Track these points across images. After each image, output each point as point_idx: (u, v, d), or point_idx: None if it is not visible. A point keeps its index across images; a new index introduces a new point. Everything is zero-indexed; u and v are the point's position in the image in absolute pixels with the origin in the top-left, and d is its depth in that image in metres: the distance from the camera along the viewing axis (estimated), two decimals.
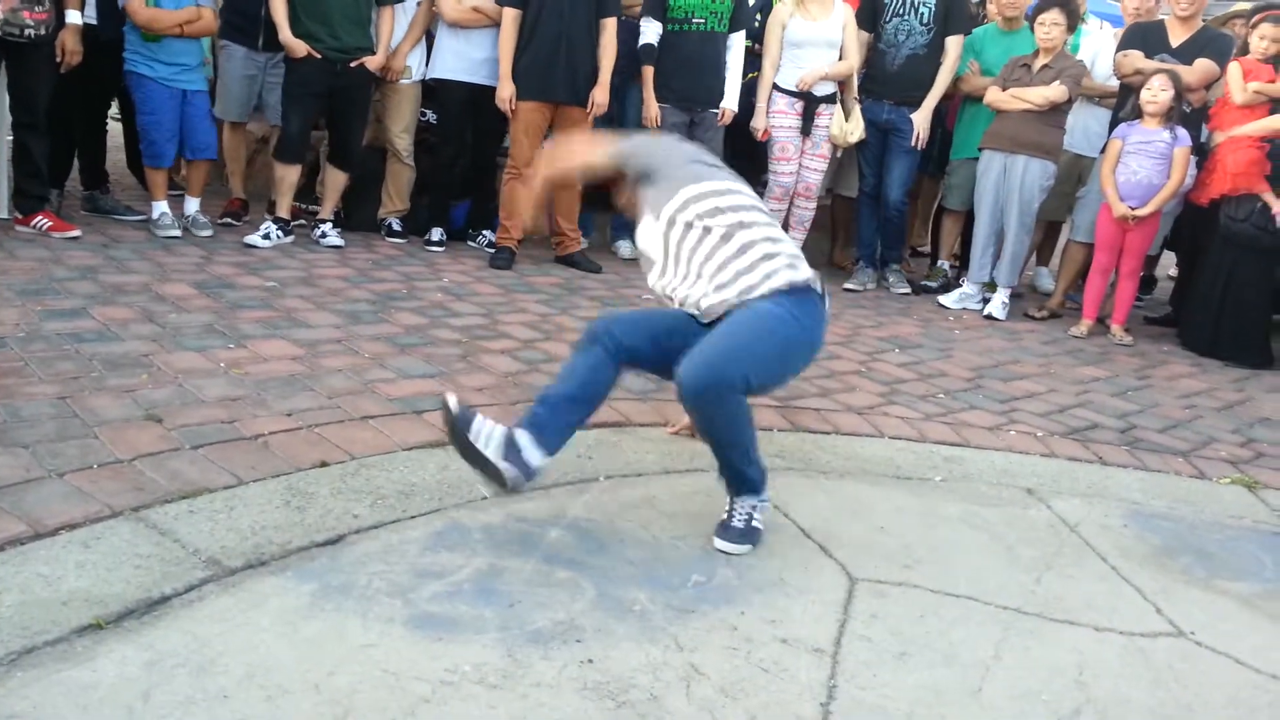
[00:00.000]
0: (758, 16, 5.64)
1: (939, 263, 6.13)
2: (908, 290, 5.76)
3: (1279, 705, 2.07)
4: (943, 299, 5.59)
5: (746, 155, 5.51)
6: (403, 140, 5.29)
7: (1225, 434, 3.87)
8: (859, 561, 2.42)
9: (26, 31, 4.19)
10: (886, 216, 5.72)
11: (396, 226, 5.37)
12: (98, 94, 4.97)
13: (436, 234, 5.29)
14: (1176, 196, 5.17)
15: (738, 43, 5.30)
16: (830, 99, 5.48)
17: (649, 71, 5.21)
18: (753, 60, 5.49)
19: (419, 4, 5.14)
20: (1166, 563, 2.67)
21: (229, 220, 5.10)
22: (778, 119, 5.45)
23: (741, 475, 2.41)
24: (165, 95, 4.62)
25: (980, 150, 5.44)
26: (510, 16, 4.90)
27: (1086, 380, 4.38)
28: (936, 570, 2.43)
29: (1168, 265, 7.13)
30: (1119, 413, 3.95)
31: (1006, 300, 5.42)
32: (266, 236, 4.77)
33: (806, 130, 5.46)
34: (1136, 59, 5.33)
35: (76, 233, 4.40)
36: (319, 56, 4.74)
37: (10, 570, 1.90)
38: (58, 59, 4.35)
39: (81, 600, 1.84)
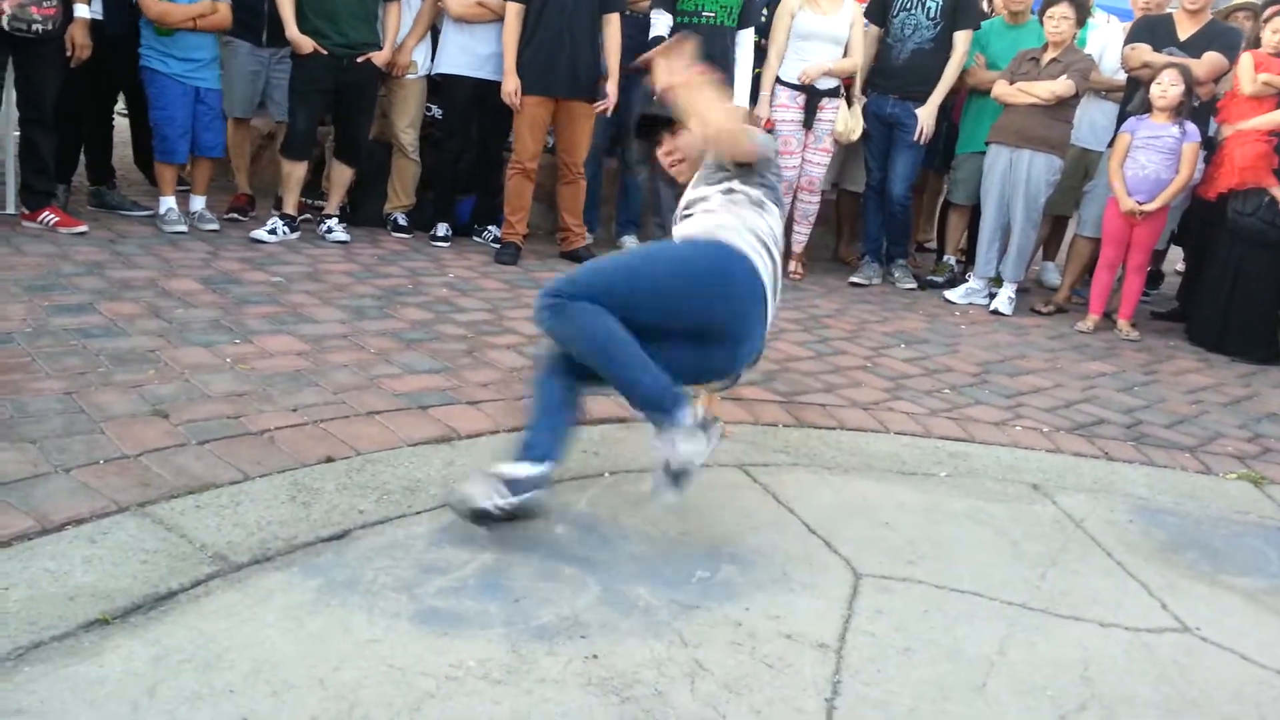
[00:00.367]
0: (764, 11, 5.63)
1: (945, 258, 6.12)
2: (914, 285, 5.75)
3: None
4: (949, 294, 5.58)
5: None
6: (408, 135, 5.29)
7: (1232, 429, 3.86)
8: (864, 557, 2.42)
9: (34, 26, 4.19)
10: (890, 211, 5.70)
11: (402, 222, 5.37)
12: (105, 89, 4.99)
13: (442, 229, 5.29)
14: (1184, 191, 5.15)
15: (746, 39, 5.29)
16: (833, 93, 5.46)
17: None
18: (759, 54, 5.47)
19: (424, 0, 5.14)
20: (1172, 558, 2.67)
21: (235, 216, 5.11)
22: (780, 112, 5.44)
23: (640, 396, 2.29)
24: (179, 91, 4.64)
25: (986, 144, 5.42)
26: (514, 11, 4.90)
27: (1093, 375, 4.37)
28: (941, 566, 2.43)
29: (1175, 260, 7.11)
30: (1125, 408, 3.95)
31: (1013, 295, 5.41)
32: (273, 232, 4.77)
33: (808, 123, 5.45)
34: (1144, 52, 5.31)
35: (83, 228, 4.42)
36: (325, 53, 4.74)
37: (18, 565, 1.91)
38: (66, 54, 4.36)
39: (88, 595, 1.85)
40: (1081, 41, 5.57)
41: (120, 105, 5.35)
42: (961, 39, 5.43)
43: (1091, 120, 5.72)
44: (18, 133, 4.53)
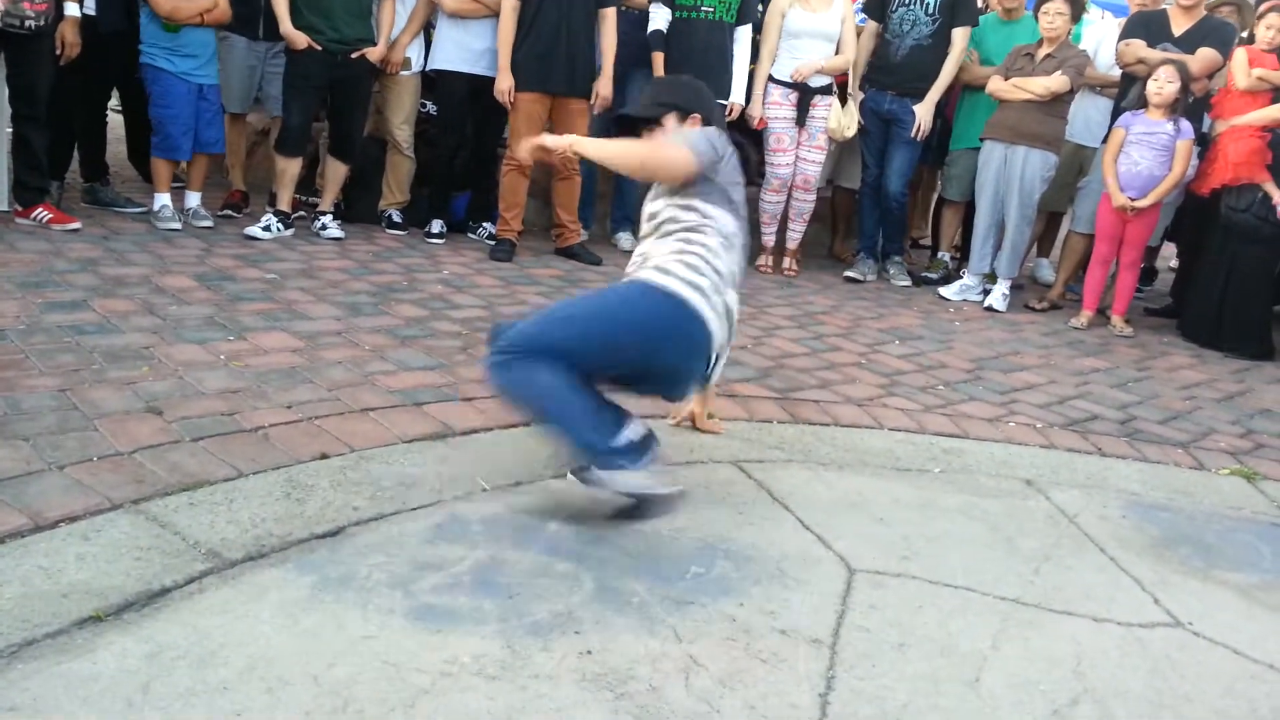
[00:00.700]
0: (760, 7, 5.63)
1: (939, 254, 6.13)
2: (908, 282, 5.75)
3: (1276, 695, 2.07)
4: (943, 290, 5.59)
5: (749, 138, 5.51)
6: (403, 132, 5.28)
7: (1225, 425, 3.87)
8: (858, 553, 2.42)
9: (26, 23, 4.18)
10: (887, 208, 5.71)
11: (397, 218, 5.37)
12: (98, 86, 4.97)
13: (437, 226, 5.29)
14: (1178, 188, 5.16)
15: (745, 36, 5.29)
16: (826, 90, 5.46)
17: (659, 58, 5.19)
18: (755, 51, 5.47)
19: None
20: (1165, 553, 2.67)
21: (229, 212, 5.10)
22: (773, 110, 5.44)
23: (580, 449, 2.38)
24: (184, 89, 4.63)
25: (981, 140, 5.43)
26: (509, 7, 4.89)
27: (1086, 372, 4.38)
28: (935, 561, 2.44)
29: (1168, 257, 7.12)
30: (1119, 404, 3.96)
31: (1007, 292, 5.42)
32: (267, 229, 4.77)
33: (801, 121, 5.45)
34: (1139, 48, 5.32)
35: (77, 225, 4.41)
36: (319, 49, 4.74)
37: (10, 563, 1.91)
38: (57, 51, 4.35)
39: (82, 592, 1.85)
40: (1076, 37, 5.59)
41: (114, 102, 5.34)
42: (960, 35, 5.43)
43: (1086, 116, 5.73)
44: (10, 129, 4.51)
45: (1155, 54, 5.21)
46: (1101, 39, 5.77)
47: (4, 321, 3.14)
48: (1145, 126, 5.02)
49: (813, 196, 5.67)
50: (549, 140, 2.60)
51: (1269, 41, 5.08)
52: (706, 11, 5.15)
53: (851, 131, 5.55)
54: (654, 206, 2.66)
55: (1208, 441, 3.65)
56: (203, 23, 4.62)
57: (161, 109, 4.67)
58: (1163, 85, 4.94)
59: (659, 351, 2.46)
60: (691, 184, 2.56)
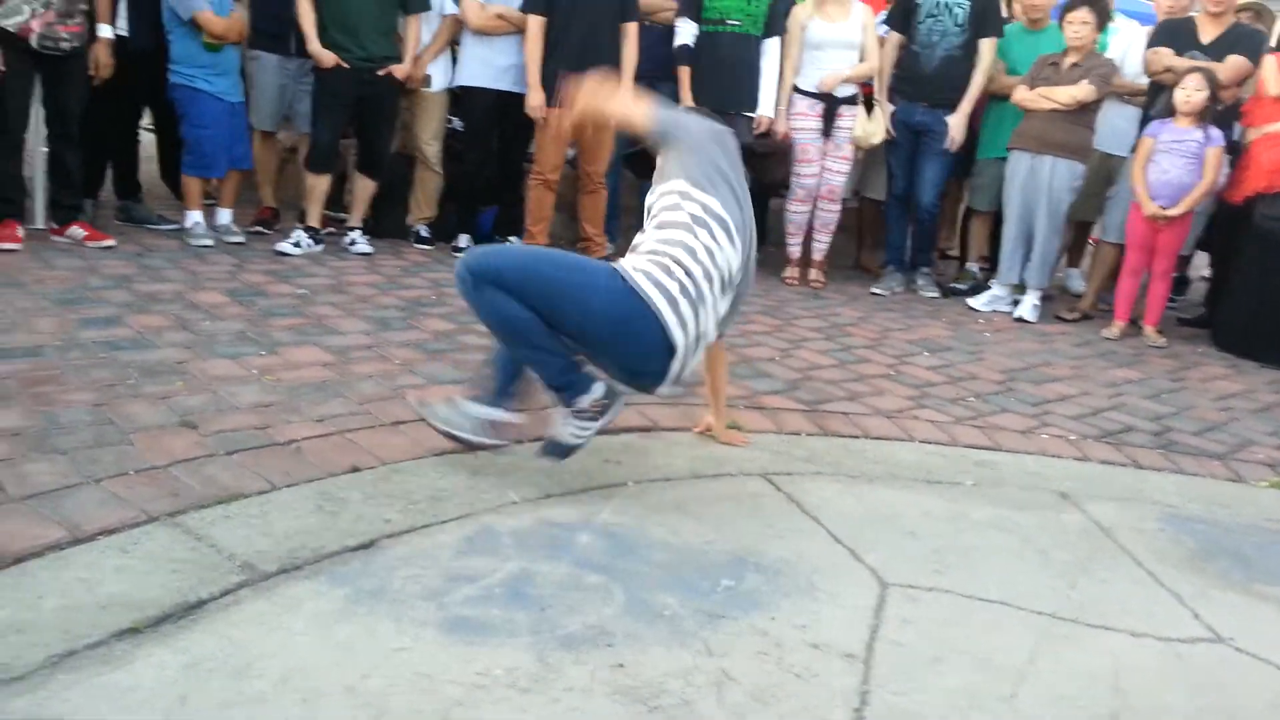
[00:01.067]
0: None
1: (967, 265, 6.09)
2: (936, 294, 5.72)
3: None
4: (972, 301, 5.56)
5: (771, 154, 5.50)
6: (432, 148, 5.32)
7: (1262, 436, 3.81)
8: (890, 566, 2.40)
9: (61, 44, 4.27)
10: (918, 219, 5.69)
11: (424, 233, 5.40)
12: (130, 105, 5.05)
13: (464, 240, 5.33)
14: (1209, 196, 5.11)
15: (773, 48, 5.28)
16: (851, 100, 5.46)
17: (685, 72, 5.20)
18: None
19: (444, 15, 5.18)
20: (1203, 567, 2.63)
21: (260, 229, 5.15)
22: (798, 121, 5.43)
23: (542, 378, 2.52)
24: (221, 109, 4.70)
25: (1008, 150, 5.40)
26: (536, 24, 4.93)
27: (1119, 382, 4.34)
28: (969, 575, 2.41)
29: (1201, 266, 7.04)
30: (1153, 415, 3.91)
31: (1037, 302, 5.38)
32: (297, 244, 4.82)
33: (828, 131, 5.44)
34: (1166, 56, 5.28)
35: (111, 242, 4.47)
36: (346, 66, 4.79)
37: (50, 575, 1.94)
38: (91, 72, 4.43)
39: (120, 605, 1.87)
40: (1103, 46, 5.55)
41: (146, 120, 5.42)
42: (987, 46, 5.41)
43: (1113, 125, 5.67)
44: (45, 148, 4.59)
45: (1183, 62, 5.16)
46: (1128, 47, 5.72)
47: (41, 338, 3.19)
48: (1174, 135, 4.98)
49: (838, 207, 5.66)
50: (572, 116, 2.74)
51: None
52: (733, 25, 5.16)
53: (878, 139, 5.53)
54: (649, 199, 2.70)
55: (1245, 453, 3.60)
56: (240, 40, 4.70)
57: (199, 129, 4.73)
58: (1191, 93, 4.90)
59: (606, 338, 2.46)
60: (669, 160, 2.64)
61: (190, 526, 2.17)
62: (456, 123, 5.52)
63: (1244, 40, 5.28)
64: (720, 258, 2.51)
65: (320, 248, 4.92)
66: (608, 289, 2.41)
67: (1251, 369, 4.88)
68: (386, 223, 5.47)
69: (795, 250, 5.69)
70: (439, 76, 5.26)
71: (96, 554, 2.02)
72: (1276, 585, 2.59)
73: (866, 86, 5.55)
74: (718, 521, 2.52)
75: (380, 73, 4.88)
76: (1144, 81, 5.55)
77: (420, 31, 5.06)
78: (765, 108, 5.30)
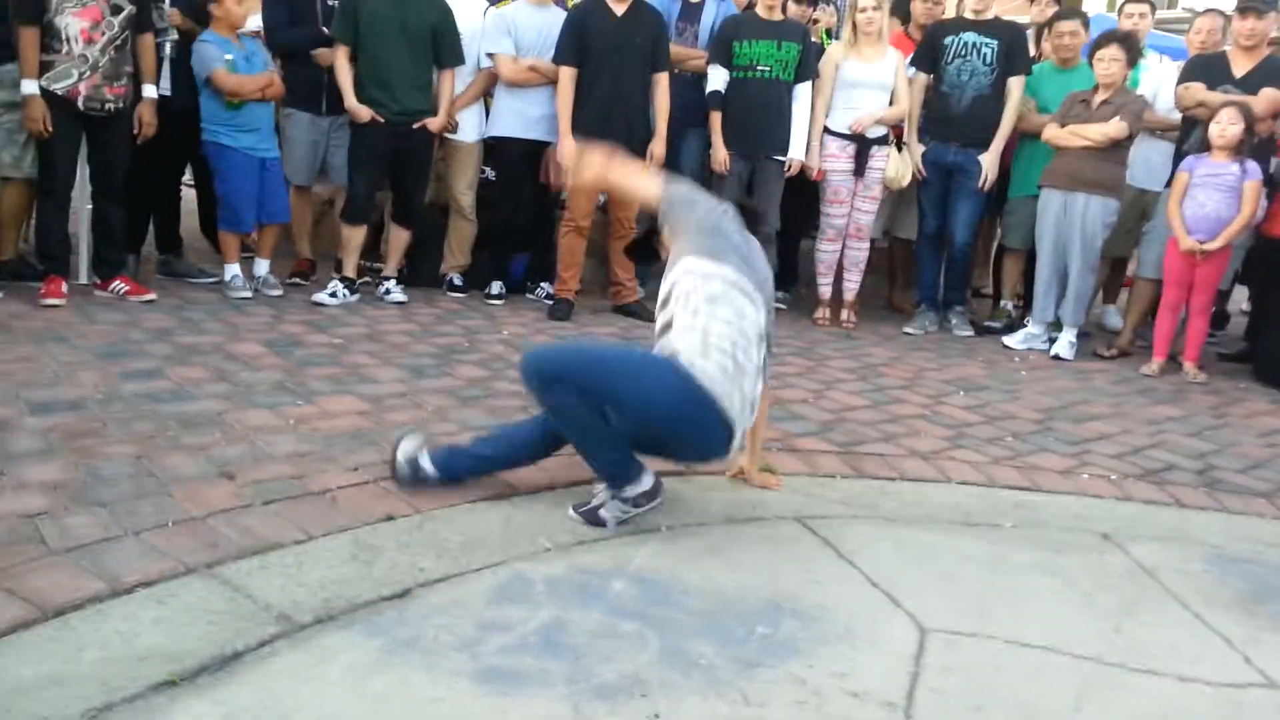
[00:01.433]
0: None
1: (1002, 303, 6.04)
2: (970, 332, 5.68)
3: None
4: (1007, 340, 5.51)
5: (802, 193, 5.57)
6: (466, 197, 5.40)
7: None
8: (929, 611, 2.36)
9: (107, 106, 4.39)
10: (952, 257, 5.67)
11: (457, 281, 5.46)
12: (172, 161, 5.17)
13: (496, 287, 5.38)
14: (1247, 230, 5.04)
15: (804, 93, 5.33)
16: (882, 140, 5.48)
17: (716, 117, 5.26)
18: None
19: (479, 68, 5.28)
20: (1253, 609, 2.56)
21: (297, 280, 5.24)
22: (830, 162, 5.45)
23: (596, 468, 2.66)
24: (247, 164, 4.80)
25: (1039, 188, 5.38)
26: (567, 75, 5.01)
27: (1160, 420, 4.26)
28: (1010, 619, 2.37)
29: (1240, 300, 6.94)
30: (1196, 453, 3.83)
31: (1074, 340, 5.32)
32: (333, 295, 4.89)
33: (860, 172, 5.46)
34: (1199, 91, 5.25)
35: (152, 296, 4.57)
36: (382, 121, 4.88)
37: (90, 627, 1.96)
38: (135, 130, 4.55)
39: (158, 656, 1.88)
40: (1134, 83, 5.54)
41: (188, 176, 5.56)
42: (1016, 85, 5.42)
43: (1147, 160, 5.64)
44: (90, 205, 4.71)
45: (1216, 96, 5.13)
46: (1160, 83, 5.70)
47: (84, 391, 3.26)
48: (1209, 169, 4.94)
49: (866, 245, 5.66)
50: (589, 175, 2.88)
51: None
52: (762, 70, 5.22)
53: (907, 180, 5.55)
54: (664, 283, 2.78)
55: None
56: (263, 98, 4.80)
57: (225, 183, 4.84)
58: (1225, 127, 4.87)
59: (670, 432, 2.60)
60: (679, 240, 2.76)
61: (227, 577, 2.19)
62: (489, 172, 5.60)
63: (1278, 73, 5.24)
64: (749, 322, 2.62)
65: (356, 297, 4.99)
66: (671, 386, 2.52)
67: None
68: (420, 271, 5.54)
69: (826, 290, 5.68)
70: (472, 128, 5.35)
71: (135, 606, 2.04)
72: None
73: (896, 128, 5.57)
74: (753, 566, 2.50)
75: (415, 126, 4.98)
76: (1176, 117, 5.52)
77: (454, 85, 5.15)
78: (796, 151, 5.34)
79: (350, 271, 5.04)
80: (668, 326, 2.65)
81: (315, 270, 5.43)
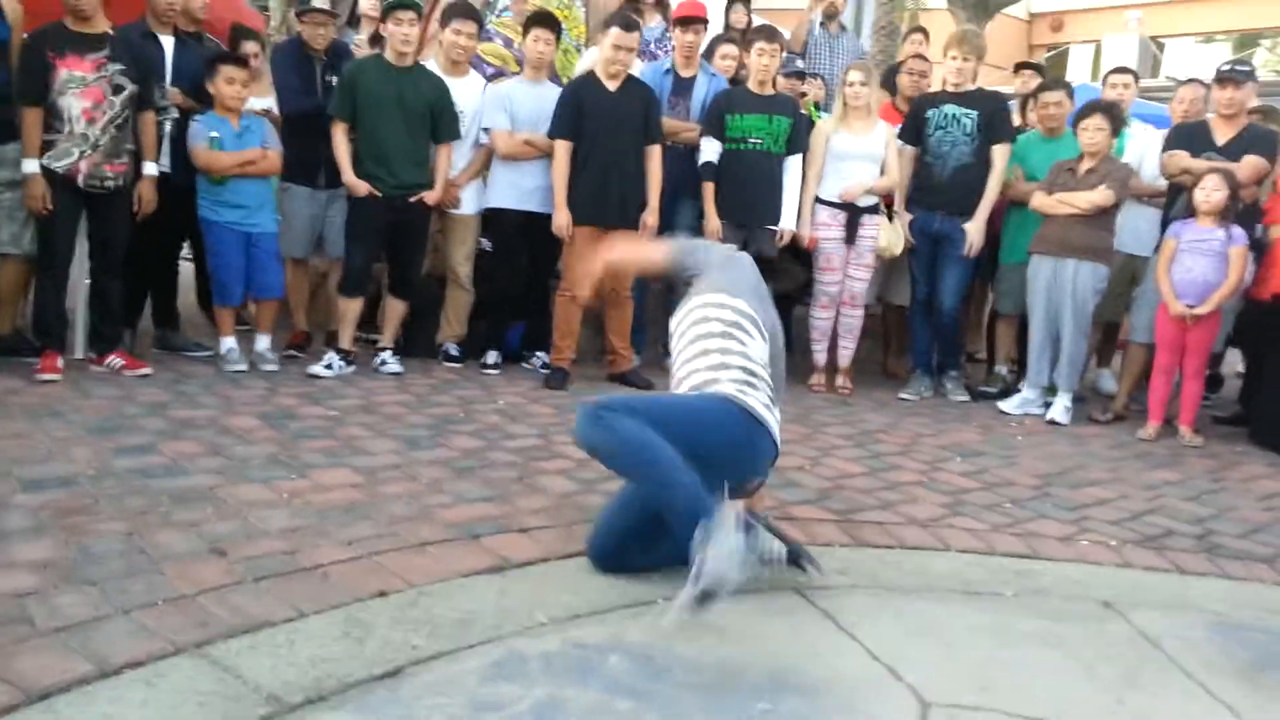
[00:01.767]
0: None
1: (996, 368, 6.06)
2: (966, 397, 5.69)
3: None
4: (1003, 405, 5.51)
5: (797, 261, 5.66)
6: (464, 268, 5.44)
7: None
8: (931, 684, 2.33)
9: (107, 183, 4.45)
10: (940, 324, 5.70)
11: (454, 351, 5.48)
12: (169, 237, 5.23)
13: (492, 357, 5.39)
14: (1236, 294, 5.09)
15: (795, 165, 5.44)
16: (873, 209, 5.56)
17: (709, 188, 5.36)
18: None
19: (476, 143, 5.37)
20: (1258, 678, 2.53)
21: (293, 352, 5.25)
22: (822, 230, 5.52)
23: (679, 500, 2.51)
24: (232, 238, 4.84)
25: (1029, 254, 5.44)
26: (563, 148, 5.10)
27: (1158, 485, 4.25)
28: (1013, 691, 2.33)
29: (1234, 363, 6.96)
30: (1194, 518, 3.81)
31: (1069, 404, 5.33)
32: (329, 366, 4.90)
33: (850, 239, 5.53)
34: (1183, 159, 5.35)
35: (148, 370, 4.57)
36: (379, 195, 4.95)
37: (76, 710, 1.92)
38: (134, 207, 4.60)
39: None
40: (1119, 150, 5.63)
41: (186, 250, 5.60)
42: (1000, 153, 5.51)
43: (1135, 226, 5.71)
44: (88, 280, 4.74)
45: (1200, 163, 5.22)
46: (1144, 150, 5.80)
47: (76, 467, 3.24)
48: (1196, 234, 5.00)
49: (860, 312, 5.70)
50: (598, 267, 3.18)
51: None
52: (754, 143, 5.32)
53: (899, 249, 5.62)
54: (675, 319, 2.99)
55: None
56: (244, 173, 4.82)
57: (212, 257, 4.90)
58: (1210, 193, 4.94)
59: (732, 460, 2.69)
60: (697, 281, 2.97)
61: (217, 657, 2.15)
62: (485, 243, 5.65)
63: (1259, 141, 5.35)
64: (752, 349, 2.83)
65: (352, 369, 5.00)
66: (729, 413, 2.67)
67: None
68: (417, 341, 5.56)
69: (821, 357, 5.70)
70: (471, 201, 5.43)
71: (123, 688, 2.00)
72: None
73: (887, 197, 5.65)
74: (752, 640, 2.46)
75: (412, 200, 5.04)
76: (1162, 183, 5.61)
77: (450, 158, 5.23)
78: (787, 221, 5.41)
79: (346, 344, 5.06)
80: (695, 358, 2.81)
81: (311, 342, 5.45)
